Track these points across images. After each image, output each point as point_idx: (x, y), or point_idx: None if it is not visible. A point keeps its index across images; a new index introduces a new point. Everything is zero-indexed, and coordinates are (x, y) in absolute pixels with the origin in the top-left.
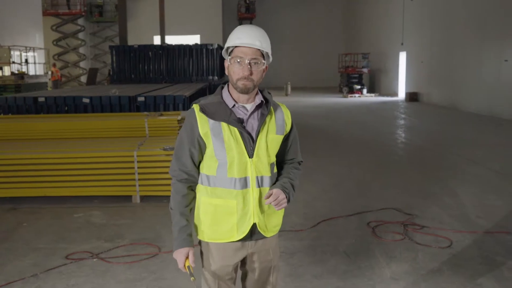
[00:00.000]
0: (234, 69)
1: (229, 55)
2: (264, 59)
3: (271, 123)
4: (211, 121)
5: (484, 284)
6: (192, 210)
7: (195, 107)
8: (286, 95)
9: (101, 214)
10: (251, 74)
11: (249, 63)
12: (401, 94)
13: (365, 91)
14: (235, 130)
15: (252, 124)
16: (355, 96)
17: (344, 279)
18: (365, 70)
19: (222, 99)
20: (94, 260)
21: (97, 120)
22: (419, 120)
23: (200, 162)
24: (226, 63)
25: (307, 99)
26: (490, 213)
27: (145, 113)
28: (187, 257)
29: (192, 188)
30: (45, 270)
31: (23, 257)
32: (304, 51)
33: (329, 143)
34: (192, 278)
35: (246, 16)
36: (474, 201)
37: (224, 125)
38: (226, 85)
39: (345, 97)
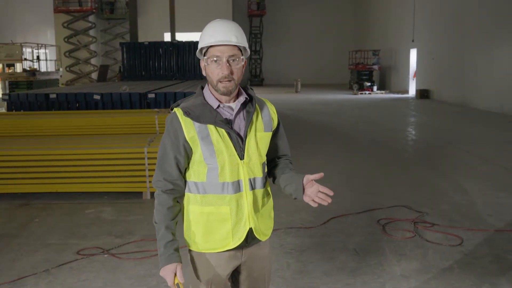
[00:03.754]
0: (212, 70)
1: (204, 55)
2: (242, 55)
3: (258, 121)
4: (197, 124)
5: (495, 282)
6: (178, 223)
7: (177, 110)
8: (296, 92)
9: (112, 210)
10: (231, 73)
11: (228, 61)
12: (412, 91)
13: (375, 88)
14: (223, 131)
15: (239, 124)
16: (365, 93)
17: (353, 276)
18: (375, 67)
19: (205, 100)
20: (105, 256)
21: (107, 116)
22: (430, 117)
23: (186, 170)
24: (202, 63)
25: (317, 96)
26: (501, 211)
27: (156, 109)
28: (175, 274)
29: (178, 200)
30: (57, 266)
31: (34, 252)
32: (314, 48)
33: (338, 140)
34: None
35: (256, 13)
36: (484, 199)
37: (211, 127)
38: (207, 84)
39: (355, 94)
